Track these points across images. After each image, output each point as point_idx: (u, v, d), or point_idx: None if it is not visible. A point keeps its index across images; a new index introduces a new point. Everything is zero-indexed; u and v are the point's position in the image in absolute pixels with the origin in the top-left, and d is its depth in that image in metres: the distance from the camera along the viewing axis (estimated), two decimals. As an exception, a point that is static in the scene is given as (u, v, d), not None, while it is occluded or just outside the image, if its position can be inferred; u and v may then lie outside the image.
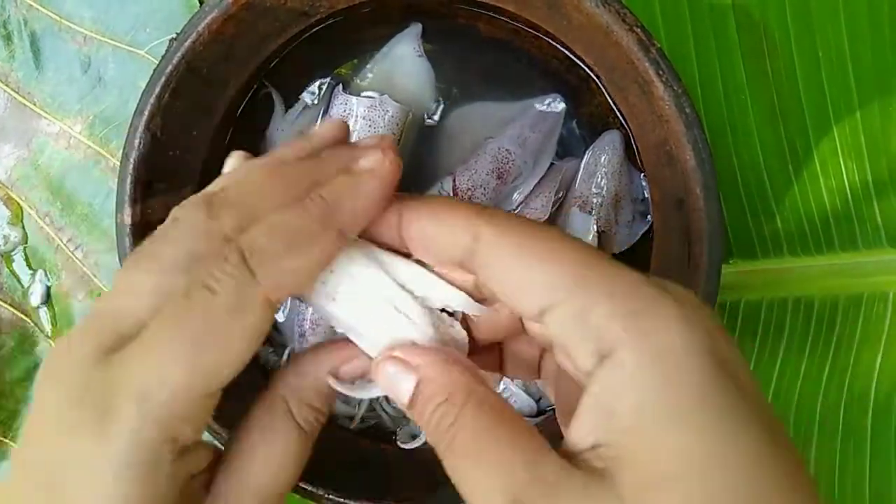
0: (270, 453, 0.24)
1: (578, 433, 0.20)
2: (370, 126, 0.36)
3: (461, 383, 0.22)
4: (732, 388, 0.19)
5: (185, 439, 0.21)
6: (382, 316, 0.24)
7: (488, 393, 0.22)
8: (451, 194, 0.37)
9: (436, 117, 0.38)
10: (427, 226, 0.23)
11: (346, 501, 0.32)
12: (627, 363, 0.20)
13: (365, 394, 0.25)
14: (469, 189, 0.37)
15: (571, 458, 0.20)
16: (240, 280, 0.21)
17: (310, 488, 0.32)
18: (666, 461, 0.19)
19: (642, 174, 0.38)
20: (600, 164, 0.37)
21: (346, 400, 0.38)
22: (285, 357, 0.38)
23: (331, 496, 0.32)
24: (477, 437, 0.21)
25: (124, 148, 0.33)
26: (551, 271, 0.21)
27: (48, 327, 0.42)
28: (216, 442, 0.31)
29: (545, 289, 0.21)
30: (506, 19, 0.36)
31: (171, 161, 0.35)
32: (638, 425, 0.19)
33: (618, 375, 0.20)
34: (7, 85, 0.42)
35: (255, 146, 0.38)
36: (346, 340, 0.25)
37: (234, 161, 0.26)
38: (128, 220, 0.33)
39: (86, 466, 0.20)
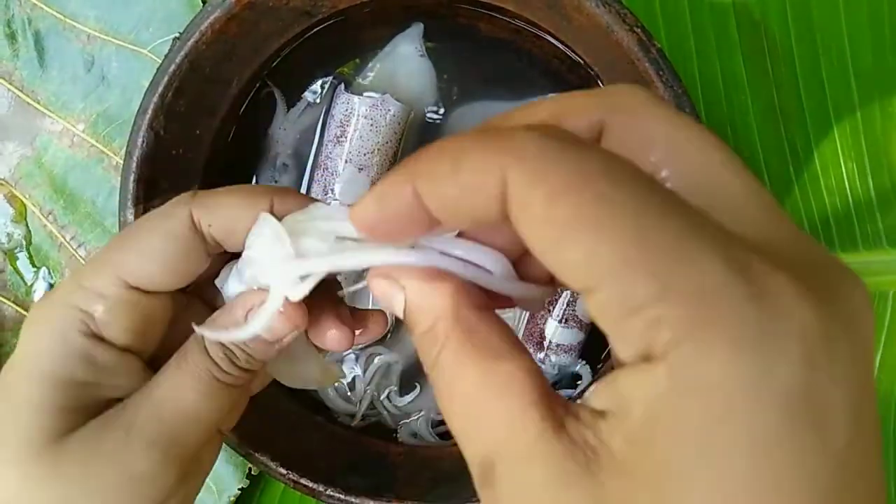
0: (180, 383, 0.25)
1: (595, 397, 0.17)
2: (372, 125, 0.37)
3: (446, 309, 0.19)
4: (806, 458, 0.14)
5: (99, 321, 0.25)
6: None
7: (479, 320, 0.18)
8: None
9: (437, 116, 0.39)
10: (447, 189, 0.17)
11: (347, 498, 0.32)
12: (662, 386, 0.14)
13: (238, 334, 0.24)
14: (470, 188, 0.37)
15: (576, 411, 0.16)
16: (177, 200, 0.26)
17: (311, 485, 0.33)
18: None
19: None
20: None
21: (348, 398, 0.38)
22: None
23: (331, 493, 0.32)
24: (457, 379, 0.18)
25: (128, 146, 0.33)
26: (593, 242, 0.15)
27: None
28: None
29: (583, 267, 0.15)
30: (507, 19, 0.37)
31: (174, 159, 0.35)
32: (649, 457, 0.15)
33: (649, 391, 0.15)
34: (11, 83, 0.42)
35: (258, 145, 0.39)
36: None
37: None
38: (131, 217, 0.33)
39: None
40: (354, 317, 0.28)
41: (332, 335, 0.27)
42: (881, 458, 0.16)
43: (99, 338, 0.25)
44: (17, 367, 0.25)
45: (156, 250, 0.25)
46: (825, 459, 0.14)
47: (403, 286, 0.20)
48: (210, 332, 0.24)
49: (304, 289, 0.22)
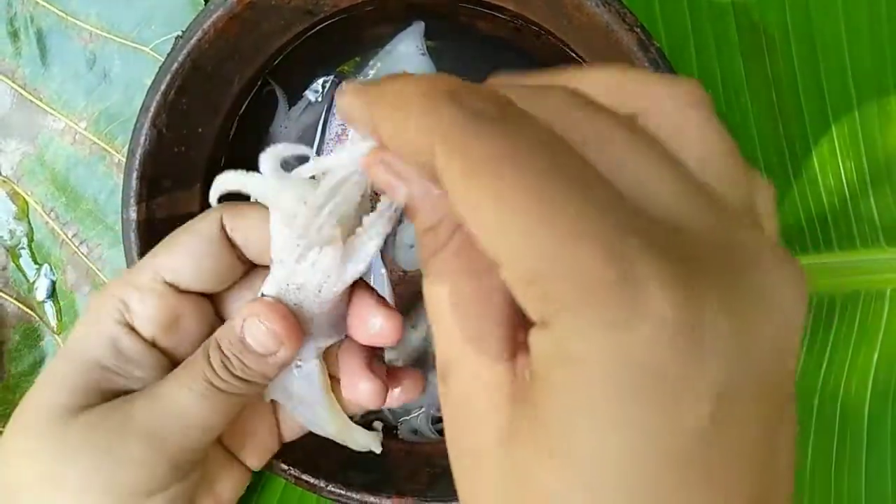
0: (179, 382, 0.26)
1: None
2: (373, 124, 0.37)
3: (449, 211, 0.18)
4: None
5: (132, 310, 0.27)
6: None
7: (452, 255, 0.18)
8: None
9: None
10: (397, 134, 0.18)
11: (347, 494, 0.33)
12: (548, 350, 0.16)
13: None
14: (470, 186, 0.37)
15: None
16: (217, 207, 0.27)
17: (311, 480, 0.33)
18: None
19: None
20: (600, 163, 0.37)
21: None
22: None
23: (332, 489, 0.33)
24: (447, 284, 0.18)
25: (130, 144, 0.33)
26: (498, 221, 0.16)
27: (53, 322, 0.42)
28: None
29: (492, 242, 0.16)
30: (507, 18, 0.37)
31: (176, 158, 0.35)
32: (540, 409, 0.16)
33: (540, 351, 0.16)
34: (14, 81, 0.42)
35: (259, 143, 0.39)
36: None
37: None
38: (133, 216, 0.33)
39: None
40: (389, 374, 0.29)
41: (363, 388, 0.28)
42: (782, 448, 0.17)
43: (129, 327, 0.27)
44: (68, 344, 0.28)
45: (187, 247, 0.27)
46: (672, 437, 0.15)
47: (406, 178, 0.19)
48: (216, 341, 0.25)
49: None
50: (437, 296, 0.19)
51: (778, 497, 0.17)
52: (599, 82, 0.18)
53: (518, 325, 0.18)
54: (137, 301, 0.27)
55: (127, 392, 0.27)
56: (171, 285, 0.27)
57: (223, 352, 0.26)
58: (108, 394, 0.27)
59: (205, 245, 0.27)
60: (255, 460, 0.30)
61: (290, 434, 0.31)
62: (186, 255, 0.27)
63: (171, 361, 0.28)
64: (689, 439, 0.15)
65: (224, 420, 0.27)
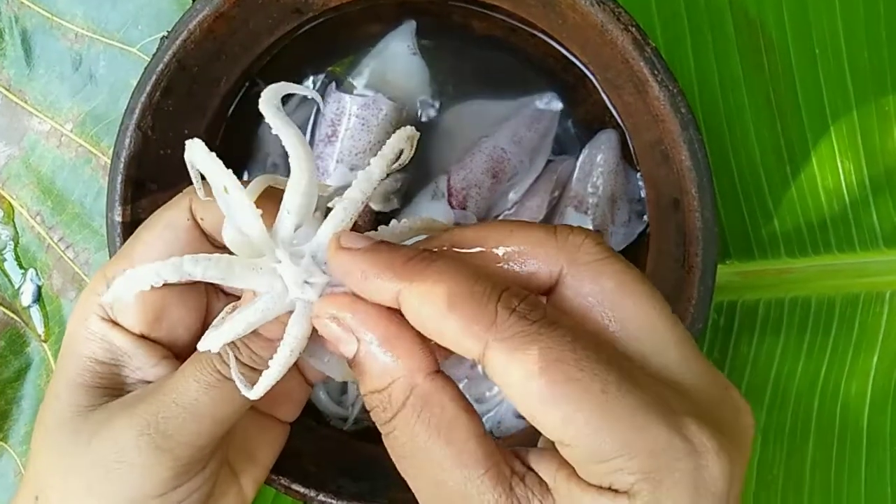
0: (186, 374, 0.26)
1: (541, 468, 0.22)
2: (363, 124, 0.36)
3: (402, 373, 0.21)
4: None
5: (116, 310, 0.27)
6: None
7: (433, 389, 0.21)
8: (446, 193, 0.36)
9: (430, 116, 0.38)
10: (433, 322, 0.21)
11: (338, 503, 0.32)
12: None
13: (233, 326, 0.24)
14: (464, 188, 0.36)
15: (521, 473, 0.21)
16: (185, 192, 0.27)
17: (302, 490, 0.32)
18: None
19: (639, 174, 0.37)
20: (596, 164, 0.37)
21: (340, 401, 0.38)
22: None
23: (323, 498, 0.32)
24: (413, 448, 0.21)
25: (115, 147, 0.33)
26: (565, 414, 0.20)
27: (40, 328, 0.42)
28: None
29: (559, 430, 0.20)
30: (501, 17, 0.36)
31: (162, 160, 0.34)
32: None
33: None
34: (-2, 82, 0.42)
35: (248, 145, 0.38)
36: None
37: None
38: (118, 218, 0.33)
39: None
40: None
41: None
42: None
43: (116, 323, 0.27)
44: (62, 347, 0.28)
45: (159, 241, 0.27)
46: None
47: (359, 338, 0.22)
48: (209, 337, 0.24)
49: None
50: (411, 462, 0.21)
51: None
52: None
53: (501, 461, 0.21)
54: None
55: (139, 383, 0.27)
56: None
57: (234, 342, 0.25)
58: (116, 390, 0.27)
59: (174, 235, 0.27)
60: (289, 412, 0.31)
61: (315, 377, 0.31)
62: (160, 248, 0.27)
63: (169, 349, 0.28)
64: None
65: (235, 411, 0.26)
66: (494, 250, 0.23)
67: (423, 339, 0.22)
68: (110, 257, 0.33)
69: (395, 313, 0.22)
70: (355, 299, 0.22)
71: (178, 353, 0.28)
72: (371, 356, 0.22)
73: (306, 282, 0.23)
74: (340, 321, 0.22)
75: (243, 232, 0.23)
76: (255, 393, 0.24)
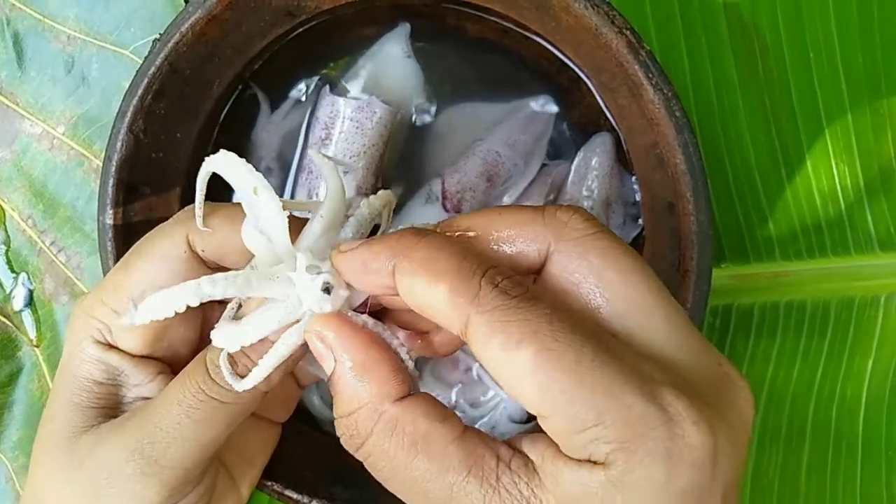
0: (169, 396, 0.26)
1: (529, 449, 0.22)
2: (357, 128, 0.36)
3: (369, 399, 0.22)
4: None
5: (114, 334, 0.27)
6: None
7: (402, 411, 0.22)
8: (441, 197, 0.36)
9: (425, 118, 0.38)
10: (419, 294, 0.22)
11: (331, 509, 0.32)
12: (599, 481, 0.20)
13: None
14: (458, 192, 0.36)
15: (507, 458, 0.22)
16: (176, 219, 0.27)
17: (295, 496, 0.32)
18: None
19: (634, 177, 0.37)
20: (591, 167, 0.37)
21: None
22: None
23: (315, 503, 0.32)
24: (393, 469, 0.22)
25: (107, 150, 0.33)
26: (542, 385, 0.20)
27: (32, 332, 0.41)
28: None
29: (536, 402, 0.20)
30: (494, 20, 0.36)
31: (154, 163, 0.34)
32: None
33: (590, 481, 0.20)
34: (-11, 85, 0.41)
35: (241, 148, 0.38)
36: None
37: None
38: (109, 221, 0.33)
39: None
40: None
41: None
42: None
43: (114, 346, 0.27)
44: (60, 366, 0.28)
45: (156, 273, 0.26)
46: None
47: (336, 359, 0.23)
48: (219, 334, 0.24)
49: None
50: (392, 478, 0.22)
51: None
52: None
53: (484, 456, 0.21)
54: (117, 325, 0.27)
55: (135, 400, 0.27)
56: None
57: (211, 361, 0.26)
58: (113, 410, 0.27)
59: (173, 267, 0.26)
60: (281, 413, 0.31)
61: (306, 380, 0.31)
62: (155, 281, 0.26)
63: (167, 363, 0.28)
64: None
65: (220, 433, 0.26)
66: (485, 234, 0.23)
67: (398, 368, 0.23)
68: (101, 262, 0.33)
69: (379, 343, 0.23)
70: (344, 322, 0.23)
71: (175, 366, 0.28)
72: (343, 379, 0.23)
73: (326, 289, 0.23)
74: (324, 339, 0.23)
75: (265, 234, 0.24)
76: (242, 385, 0.24)
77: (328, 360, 0.23)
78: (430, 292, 0.21)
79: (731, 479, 0.21)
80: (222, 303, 0.29)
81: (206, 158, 0.24)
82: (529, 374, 0.20)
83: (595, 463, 0.20)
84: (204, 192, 0.25)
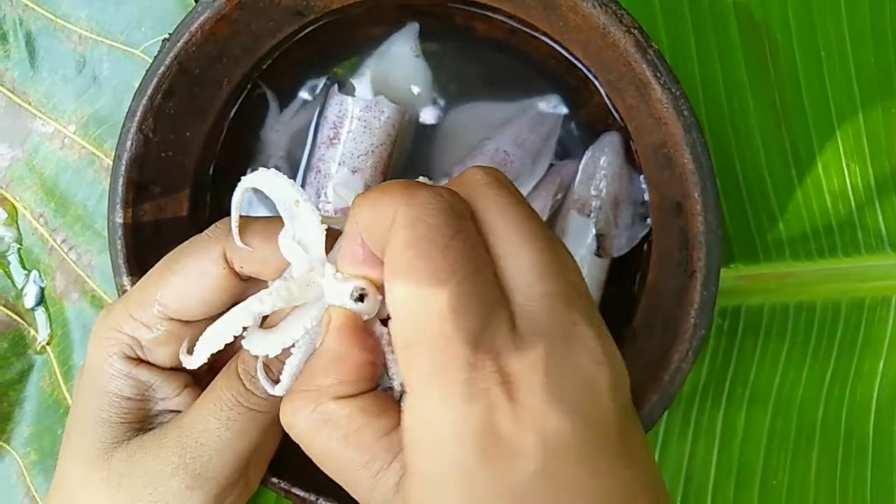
0: (205, 410, 0.27)
1: None
2: (365, 127, 0.36)
3: (317, 389, 0.23)
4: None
5: (145, 348, 0.27)
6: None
7: (338, 409, 0.22)
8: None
9: (433, 118, 0.38)
10: (364, 215, 0.22)
11: (338, 507, 0.32)
12: (404, 416, 0.21)
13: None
14: (466, 191, 0.36)
15: None
16: (212, 234, 0.27)
17: (303, 494, 0.32)
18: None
19: (642, 176, 0.37)
20: (599, 167, 0.37)
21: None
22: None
23: (322, 502, 0.32)
24: (317, 458, 0.23)
25: (116, 149, 0.33)
26: (405, 290, 0.20)
27: (45, 330, 0.42)
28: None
29: (394, 301, 0.21)
30: (502, 19, 0.36)
31: (164, 162, 0.34)
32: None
33: (405, 413, 0.21)
34: (2, 85, 0.42)
35: (249, 147, 0.38)
36: None
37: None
38: (119, 220, 0.33)
39: None
40: None
41: None
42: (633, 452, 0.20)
43: (142, 360, 0.28)
44: (83, 381, 0.28)
45: (193, 289, 0.27)
46: (501, 490, 0.19)
47: (321, 341, 0.24)
48: (253, 343, 0.25)
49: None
50: (324, 458, 0.23)
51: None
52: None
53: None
54: (148, 340, 0.27)
55: (161, 413, 0.28)
56: (177, 319, 0.27)
57: (245, 372, 0.27)
58: (141, 423, 0.28)
59: (210, 282, 0.27)
60: (261, 465, 0.31)
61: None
62: (192, 295, 0.27)
63: (192, 374, 0.29)
64: (514, 493, 0.19)
65: (255, 440, 0.27)
66: None
67: (366, 375, 0.23)
68: (111, 260, 0.33)
69: (367, 346, 0.23)
70: (348, 316, 0.24)
71: (200, 377, 0.29)
72: (313, 359, 0.24)
73: (360, 297, 0.24)
74: (328, 324, 0.24)
75: (302, 244, 0.25)
76: (280, 389, 0.25)
77: (318, 339, 0.24)
78: (372, 205, 0.22)
79: (545, 437, 0.19)
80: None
81: (244, 177, 0.25)
82: (399, 282, 0.20)
83: (407, 389, 0.20)
84: (239, 210, 0.26)
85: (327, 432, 0.22)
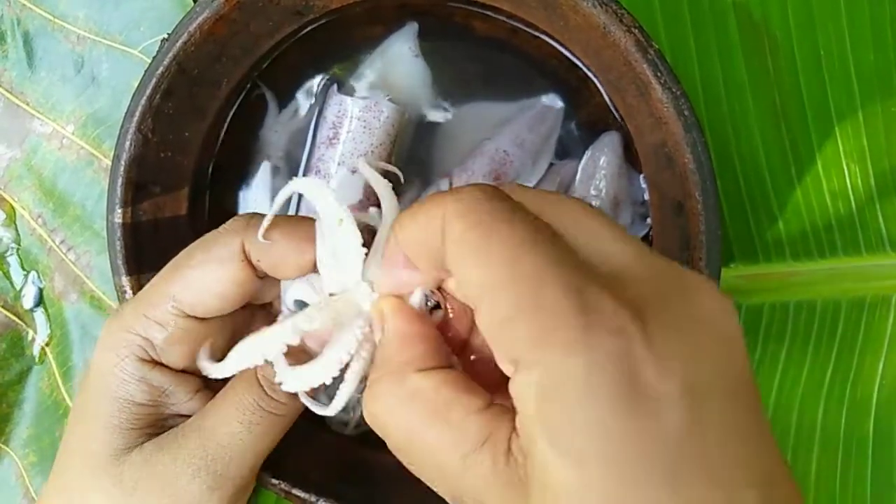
0: (226, 414, 0.27)
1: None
2: (365, 127, 0.36)
3: (397, 367, 0.22)
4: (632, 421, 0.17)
5: (158, 348, 0.27)
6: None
7: (424, 380, 0.21)
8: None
9: (432, 118, 0.38)
10: (409, 229, 0.22)
11: (339, 508, 0.32)
12: (520, 388, 0.18)
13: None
14: (465, 191, 0.36)
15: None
16: (231, 227, 0.27)
17: (303, 495, 0.32)
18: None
19: (642, 176, 0.37)
20: (599, 166, 0.37)
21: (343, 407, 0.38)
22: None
23: (322, 502, 0.32)
24: (400, 442, 0.22)
25: (115, 149, 0.33)
26: (483, 271, 0.19)
27: (45, 331, 0.42)
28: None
29: (471, 286, 0.19)
30: (502, 19, 0.36)
31: (162, 162, 0.34)
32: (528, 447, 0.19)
33: (517, 392, 0.19)
34: (0, 85, 0.42)
35: (249, 148, 0.38)
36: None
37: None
38: (118, 220, 0.33)
39: None
40: None
41: None
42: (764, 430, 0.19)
43: (155, 362, 0.27)
44: (91, 384, 0.28)
45: (210, 283, 0.26)
46: (654, 443, 0.17)
47: (382, 329, 0.23)
48: (288, 378, 0.25)
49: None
50: (410, 450, 0.21)
51: (784, 478, 0.19)
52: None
53: (498, 428, 0.20)
54: (164, 340, 0.27)
55: (169, 418, 0.28)
56: (192, 316, 0.27)
57: (265, 378, 0.27)
58: (152, 428, 0.28)
59: (227, 276, 0.26)
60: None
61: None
62: (209, 290, 0.26)
63: (203, 378, 0.28)
64: (666, 446, 0.17)
65: (272, 442, 0.28)
66: None
67: (437, 347, 0.22)
68: (110, 260, 0.33)
69: (424, 321, 0.23)
70: (398, 300, 0.23)
71: (208, 380, 0.29)
72: (380, 347, 0.23)
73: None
74: (380, 313, 0.23)
75: (338, 260, 0.25)
76: (332, 409, 0.25)
77: (378, 331, 0.23)
78: (413, 217, 0.21)
79: (702, 381, 0.18)
80: (244, 308, 0.29)
81: (294, 178, 0.26)
82: (473, 266, 0.19)
83: (516, 364, 0.18)
84: (280, 206, 0.26)
85: (414, 408, 0.20)
